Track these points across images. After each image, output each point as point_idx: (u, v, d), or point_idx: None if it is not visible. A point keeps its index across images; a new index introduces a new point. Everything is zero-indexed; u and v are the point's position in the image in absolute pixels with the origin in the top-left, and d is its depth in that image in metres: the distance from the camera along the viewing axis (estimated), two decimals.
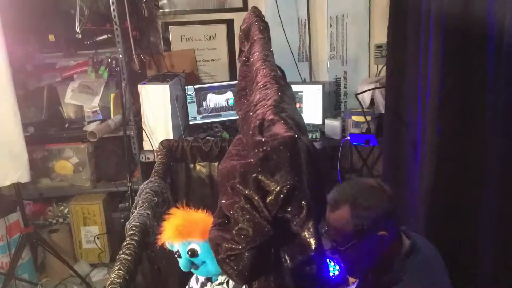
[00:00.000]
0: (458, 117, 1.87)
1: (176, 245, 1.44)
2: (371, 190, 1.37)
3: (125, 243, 1.53)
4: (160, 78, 2.99)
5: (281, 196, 0.74)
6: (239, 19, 3.37)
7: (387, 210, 1.34)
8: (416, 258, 1.37)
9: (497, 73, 1.60)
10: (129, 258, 1.44)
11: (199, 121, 3.24)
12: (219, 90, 3.26)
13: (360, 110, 2.96)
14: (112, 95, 3.07)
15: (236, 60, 3.45)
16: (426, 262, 1.39)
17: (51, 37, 3.03)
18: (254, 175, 0.76)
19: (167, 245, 1.46)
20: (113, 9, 2.86)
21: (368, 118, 2.92)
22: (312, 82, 3.41)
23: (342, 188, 1.41)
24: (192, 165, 2.43)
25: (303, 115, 3.13)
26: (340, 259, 1.42)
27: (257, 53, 1.24)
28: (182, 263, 1.45)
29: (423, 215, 2.06)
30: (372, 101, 3.09)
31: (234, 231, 0.79)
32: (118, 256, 1.46)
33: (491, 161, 1.70)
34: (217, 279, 1.50)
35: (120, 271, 1.36)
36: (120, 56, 2.94)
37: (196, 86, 3.22)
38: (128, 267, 1.40)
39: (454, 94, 1.86)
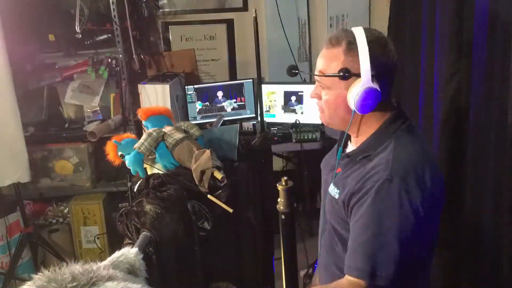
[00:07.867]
0: (459, 117, 1.87)
1: None
2: (382, 40, 1.19)
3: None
4: (160, 78, 2.99)
5: None
6: (239, 19, 3.38)
7: (387, 63, 1.18)
8: (403, 126, 1.23)
9: (504, 74, 1.59)
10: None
11: (199, 121, 3.24)
12: (219, 90, 3.26)
13: None
14: (112, 95, 3.08)
15: (236, 59, 3.46)
16: (415, 134, 1.24)
17: (51, 37, 3.03)
18: None
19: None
20: (113, 9, 2.86)
21: None
22: (312, 82, 3.41)
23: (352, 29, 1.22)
24: None
25: (303, 115, 3.15)
26: (324, 103, 1.24)
27: None
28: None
29: None
30: None
31: None
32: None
33: (492, 161, 1.70)
34: None
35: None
36: (120, 56, 2.94)
37: (196, 86, 3.22)
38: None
39: (456, 94, 1.86)
